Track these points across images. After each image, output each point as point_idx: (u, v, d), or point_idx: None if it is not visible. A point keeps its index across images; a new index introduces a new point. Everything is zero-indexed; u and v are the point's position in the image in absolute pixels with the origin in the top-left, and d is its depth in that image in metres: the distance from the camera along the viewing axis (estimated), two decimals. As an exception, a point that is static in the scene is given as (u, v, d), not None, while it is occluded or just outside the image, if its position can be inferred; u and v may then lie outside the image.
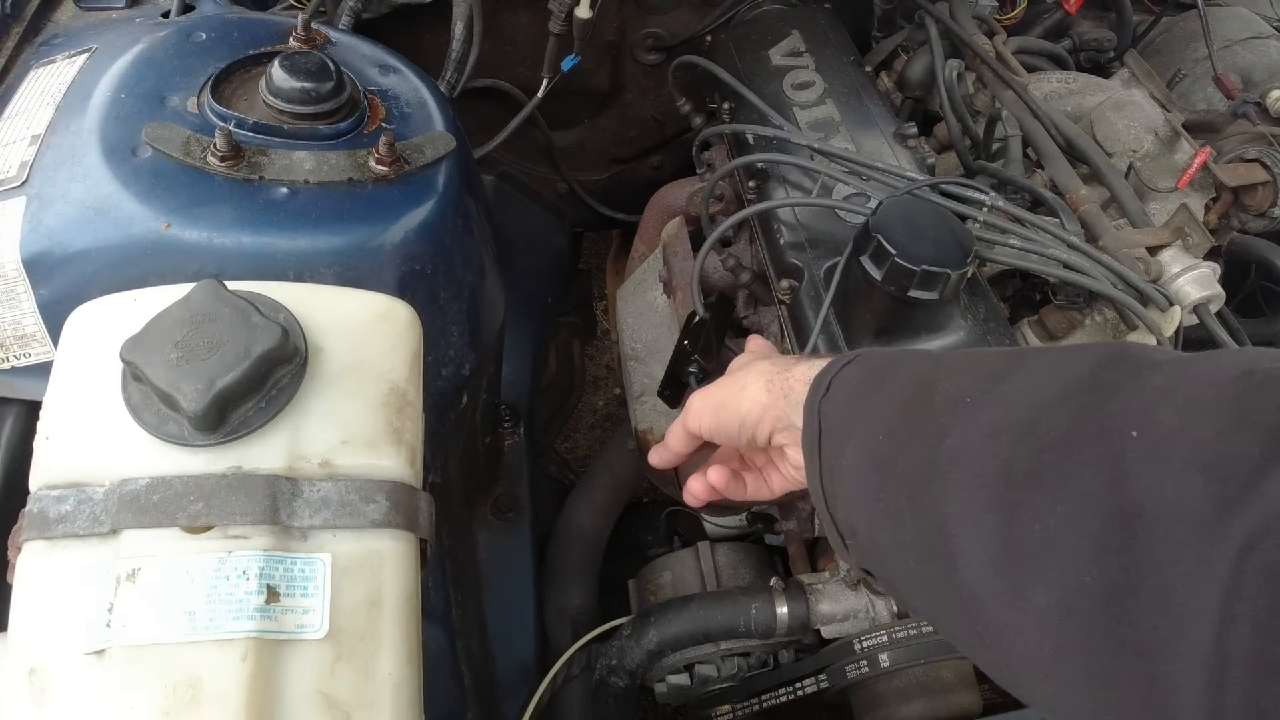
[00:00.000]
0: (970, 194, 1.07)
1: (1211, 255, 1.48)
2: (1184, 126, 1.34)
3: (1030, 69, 1.48)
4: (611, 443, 1.57)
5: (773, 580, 1.23)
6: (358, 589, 0.65)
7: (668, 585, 1.37)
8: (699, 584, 1.35)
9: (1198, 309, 1.14)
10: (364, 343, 0.74)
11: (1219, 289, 1.13)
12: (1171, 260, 1.14)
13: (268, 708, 0.60)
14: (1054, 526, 0.44)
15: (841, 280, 1.03)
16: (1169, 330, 1.09)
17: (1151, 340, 1.10)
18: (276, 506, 0.66)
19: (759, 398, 0.74)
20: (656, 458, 0.89)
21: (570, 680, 1.30)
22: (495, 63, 1.55)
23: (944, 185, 1.08)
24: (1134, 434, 0.43)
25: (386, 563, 0.67)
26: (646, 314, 1.44)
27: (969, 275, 0.99)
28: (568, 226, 1.84)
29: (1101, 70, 1.66)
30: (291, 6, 1.33)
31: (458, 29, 1.36)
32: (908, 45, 1.47)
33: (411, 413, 0.73)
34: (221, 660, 0.61)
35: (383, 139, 0.88)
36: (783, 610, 1.20)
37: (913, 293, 0.94)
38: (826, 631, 1.22)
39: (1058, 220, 1.11)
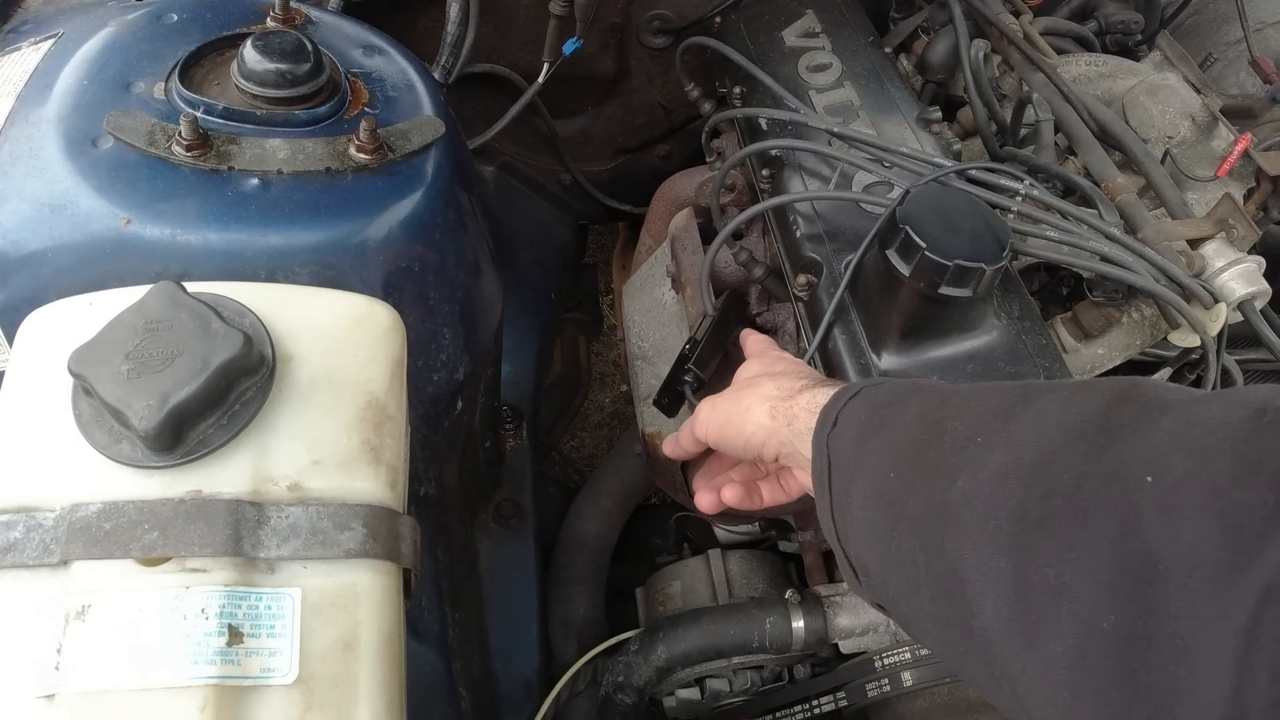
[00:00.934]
0: (1003, 181, 0.99)
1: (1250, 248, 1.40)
2: (1221, 112, 1.26)
3: (1057, 51, 1.40)
4: (618, 446, 1.49)
5: (788, 592, 1.15)
6: (331, 629, 0.58)
7: (677, 595, 1.30)
8: (710, 594, 1.28)
9: (1242, 306, 1.05)
10: (339, 350, 0.67)
11: (1265, 285, 1.05)
12: (1215, 254, 1.06)
13: (227, 766, 0.53)
14: (1068, 572, 0.44)
15: (864, 276, 0.96)
16: (1215, 329, 1.01)
17: (1195, 340, 1.02)
18: (240, 536, 0.59)
19: (763, 421, 0.76)
20: (669, 448, 0.92)
21: (575, 696, 1.23)
22: (494, 46, 1.47)
23: (974, 172, 1.00)
24: (1147, 479, 0.43)
25: (364, 598, 0.60)
26: (654, 311, 1.36)
27: (1004, 270, 0.92)
28: (572, 219, 1.76)
29: (1129, 53, 1.57)
30: (277, -12, 1.25)
31: (453, 10, 1.28)
32: (928, 26, 1.39)
33: (392, 428, 0.66)
34: (178, 710, 0.54)
35: (364, 124, 0.80)
36: (799, 624, 1.13)
37: (944, 290, 0.86)
38: (845, 646, 1.14)
39: (1095, 210, 1.03)
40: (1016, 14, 1.34)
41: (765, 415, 0.76)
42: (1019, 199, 0.97)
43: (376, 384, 0.66)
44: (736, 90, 1.29)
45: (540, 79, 1.40)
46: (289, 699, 0.56)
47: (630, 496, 1.43)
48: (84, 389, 0.62)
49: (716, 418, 0.82)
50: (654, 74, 1.58)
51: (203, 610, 0.57)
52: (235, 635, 0.56)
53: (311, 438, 0.63)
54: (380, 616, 0.60)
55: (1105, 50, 1.58)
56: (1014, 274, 1.02)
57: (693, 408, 1.02)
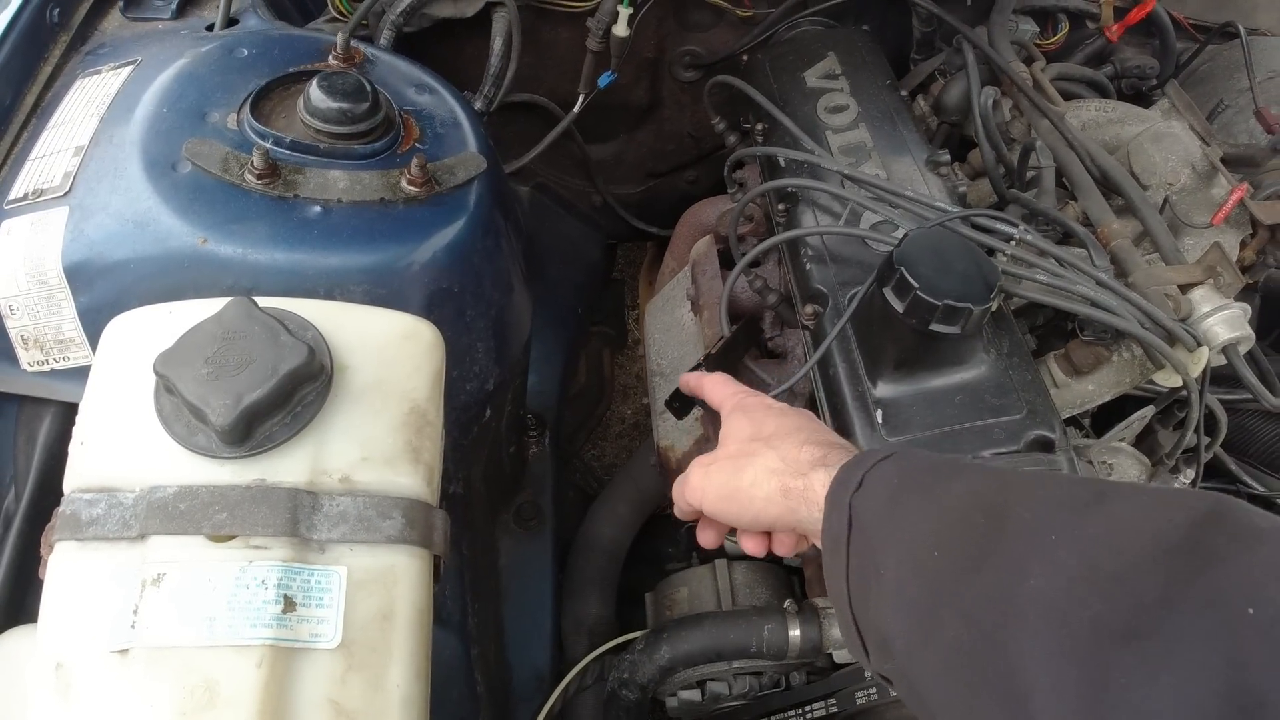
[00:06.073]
0: (998, 226, 1.08)
1: (1246, 293, 1.47)
2: (1223, 160, 1.33)
3: (1069, 96, 1.48)
4: (636, 455, 1.59)
5: (786, 602, 1.24)
6: (371, 602, 0.68)
7: (684, 601, 1.39)
8: (715, 601, 1.36)
9: (1226, 350, 1.13)
10: (388, 362, 0.77)
11: (1249, 330, 1.12)
12: (1202, 299, 1.13)
13: (280, 713, 0.63)
14: (1157, 695, 0.42)
15: (864, 310, 1.05)
16: (1195, 371, 1.09)
17: (1178, 380, 1.10)
18: (297, 519, 0.69)
19: (774, 498, 0.73)
20: (675, 508, 0.90)
21: (583, 691, 1.33)
22: (534, 76, 1.58)
23: (973, 218, 1.09)
24: (1249, 611, 0.42)
25: (400, 578, 0.70)
26: (673, 330, 1.45)
27: (993, 309, 1.00)
28: (602, 238, 1.86)
29: (1144, 98, 1.65)
30: (334, 19, 1.37)
31: (497, 44, 1.39)
32: (945, 69, 1.48)
33: (431, 432, 0.76)
34: (238, 665, 0.64)
35: (415, 160, 0.91)
36: (795, 633, 1.21)
37: (934, 326, 0.95)
38: (838, 656, 1.23)
39: (1086, 254, 1.12)
40: (1030, 60, 1.42)
41: (776, 493, 0.73)
42: (1012, 243, 1.06)
43: (419, 393, 0.77)
44: (759, 126, 1.38)
45: (576, 109, 1.50)
46: (333, 660, 0.66)
47: (645, 505, 1.52)
48: (166, 387, 0.73)
49: (713, 489, 0.79)
50: (684, 104, 1.68)
51: (263, 581, 0.67)
52: (289, 604, 0.67)
53: (362, 437, 0.73)
54: (414, 595, 0.70)
55: (1121, 94, 1.66)
56: (1006, 313, 1.10)
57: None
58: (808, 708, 1.25)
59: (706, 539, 0.88)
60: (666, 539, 1.63)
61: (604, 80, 1.49)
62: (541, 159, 1.64)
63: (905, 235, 1.00)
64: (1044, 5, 1.55)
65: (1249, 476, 1.47)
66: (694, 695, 1.32)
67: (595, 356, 1.93)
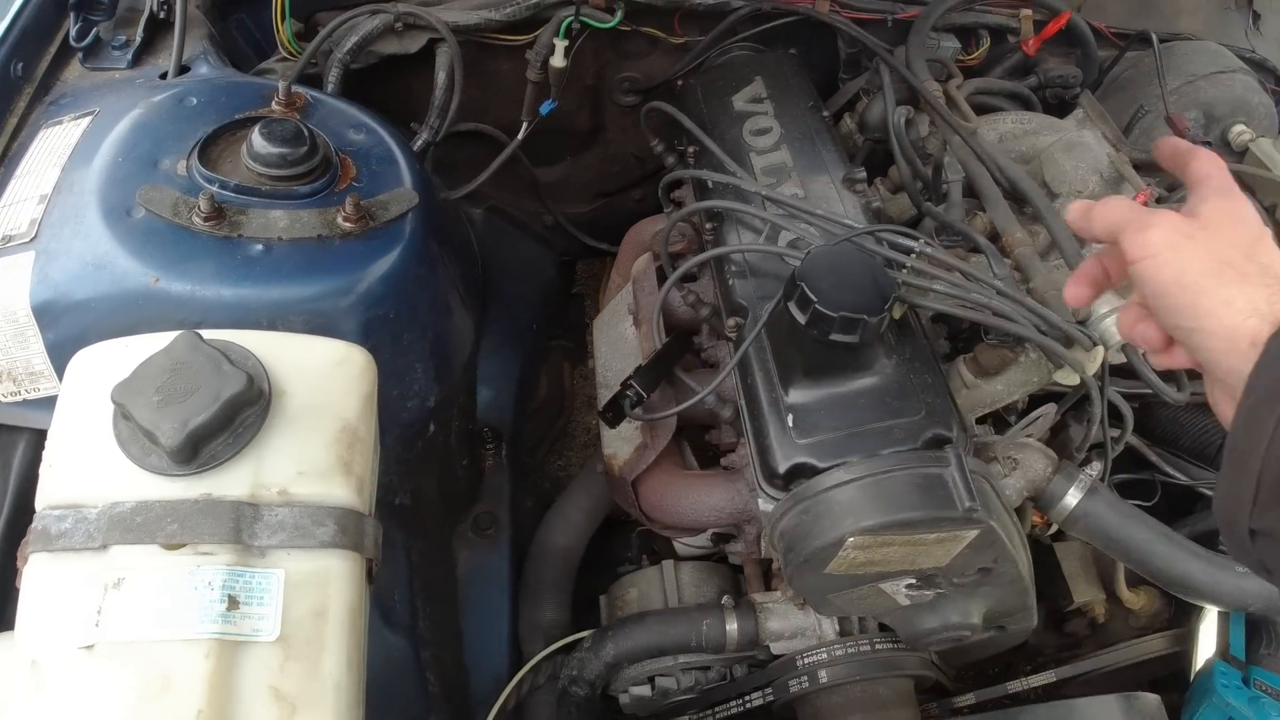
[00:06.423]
0: (901, 240, 1.20)
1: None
2: (1135, 166, 1.45)
3: (989, 109, 1.61)
4: (588, 464, 1.71)
5: (724, 598, 1.36)
6: (306, 600, 0.80)
7: (634, 601, 1.51)
8: (663, 600, 1.48)
9: (1125, 348, 1.25)
10: (322, 386, 0.89)
11: (1144, 329, 1.24)
12: (1100, 301, 1.25)
13: (225, 698, 0.75)
14: None
15: (776, 322, 1.17)
16: (1091, 369, 1.20)
17: (1077, 378, 1.22)
18: (239, 529, 0.81)
19: (1238, 334, 0.65)
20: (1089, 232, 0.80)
21: (537, 689, 1.44)
22: (481, 106, 1.70)
23: (877, 233, 1.21)
24: None
25: (333, 579, 0.82)
26: (618, 344, 1.58)
27: (890, 320, 1.12)
28: (556, 256, 1.99)
29: (1068, 107, 1.77)
30: (284, 58, 1.49)
31: (440, 78, 1.51)
32: (869, 88, 1.60)
33: (362, 448, 0.88)
34: (188, 657, 0.76)
35: (349, 199, 1.03)
36: (732, 627, 1.33)
37: (834, 336, 1.07)
38: (775, 648, 1.35)
39: (987, 264, 1.24)
40: (947, 78, 1.55)
41: (1244, 336, 0.64)
42: (912, 256, 1.18)
43: (351, 413, 0.89)
44: (690, 149, 1.51)
45: (519, 136, 1.63)
46: (272, 652, 0.78)
47: (596, 511, 1.64)
48: (123, 414, 0.84)
49: (1177, 269, 0.69)
50: (627, 128, 1.81)
51: (209, 583, 0.79)
52: (233, 603, 0.78)
53: (297, 454, 0.85)
54: (346, 594, 0.82)
55: (1046, 104, 1.79)
56: (911, 320, 1.22)
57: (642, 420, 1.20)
58: (747, 698, 1.37)
59: (1125, 321, 0.79)
60: (623, 545, 1.74)
61: (546, 108, 1.61)
62: (494, 183, 1.76)
63: (807, 253, 1.12)
64: (965, 23, 1.68)
65: (1171, 467, 1.59)
66: (644, 691, 1.43)
67: (556, 370, 2.05)
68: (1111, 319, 1.25)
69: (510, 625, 1.55)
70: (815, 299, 1.06)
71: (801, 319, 1.08)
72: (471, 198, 1.80)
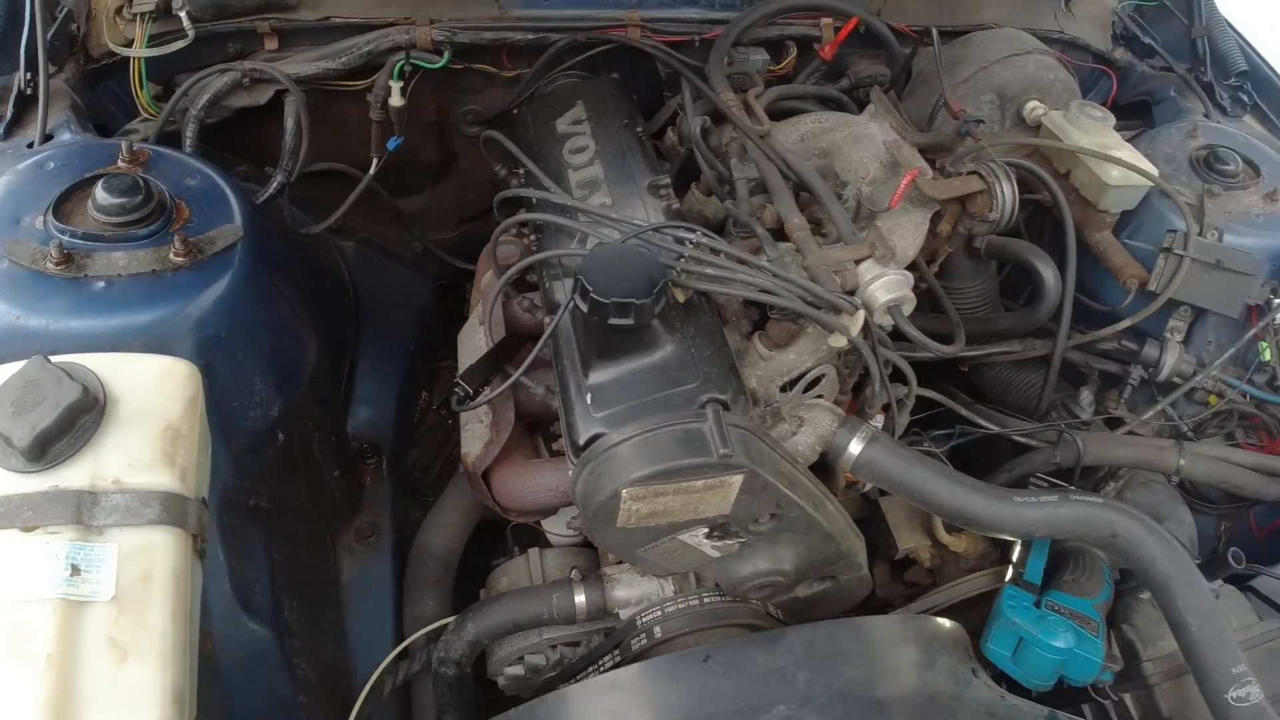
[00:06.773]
0: (680, 233, 1.42)
1: (980, 262, 1.82)
2: (921, 149, 1.68)
3: (795, 112, 1.84)
4: (459, 471, 1.91)
5: (571, 571, 1.56)
6: (136, 567, 1.01)
7: (505, 589, 1.71)
8: (529, 584, 1.68)
9: (891, 310, 1.47)
10: (149, 393, 1.10)
11: (907, 292, 1.46)
12: (865, 271, 1.48)
13: (70, 645, 0.96)
14: None
15: (573, 315, 1.39)
16: (855, 330, 1.41)
17: (844, 342, 1.44)
18: (80, 512, 1.02)
19: None
20: None
21: (418, 674, 1.64)
22: (336, 146, 1.93)
23: (661, 229, 1.43)
24: None
25: (158, 549, 1.03)
26: (474, 355, 1.78)
27: (664, 303, 1.33)
28: (431, 281, 2.21)
29: (879, 103, 2.01)
30: (145, 119, 1.72)
31: (289, 124, 1.73)
32: (682, 103, 1.83)
33: (185, 443, 1.09)
34: (42, 614, 0.97)
35: (177, 237, 1.25)
36: (580, 598, 1.53)
37: (613, 320, 1.28)
38: (625, 614, 1.54)
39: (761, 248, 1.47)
40: (744, 89, 1.78)
41: None
42: (688, 245, 1.40)
43: (174, 414, 1.10)
44: (520, 170, 1.73)
45: (370, 171, 1.85)
46: (108, 609, 0.99)
47: (470, 511, 1.84)
48: (-16, 426, 1.05)
49: None
50: (476, 156, 2.03)
51: (57, 556, 0.99)
52: (76, 570, 0.99)
53: (128, 450, 1.06)
54: (171, 561, 1.03)
55: (859, 102, 2.03)
56: (697, 302, 1.43)
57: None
58: (600, 662, 1.57)
59: None
60: (501, 550, 1.94)
61: (393, 144, 1.84)
62: (361, 216, 1.98)
63: (588, 251, 1.34)
64: (770, 36, 1.92)
65: (983, 419, 1.81)
66: (518, 670, 1.62)
67: (445, 390, 2.26)
68: (875, 285, 1.48)
69: (395, 623, 1.74)
70: (592, 289, 1.27)
71: (584, 308, 1.30)
72: (342, 231, 2.03)
